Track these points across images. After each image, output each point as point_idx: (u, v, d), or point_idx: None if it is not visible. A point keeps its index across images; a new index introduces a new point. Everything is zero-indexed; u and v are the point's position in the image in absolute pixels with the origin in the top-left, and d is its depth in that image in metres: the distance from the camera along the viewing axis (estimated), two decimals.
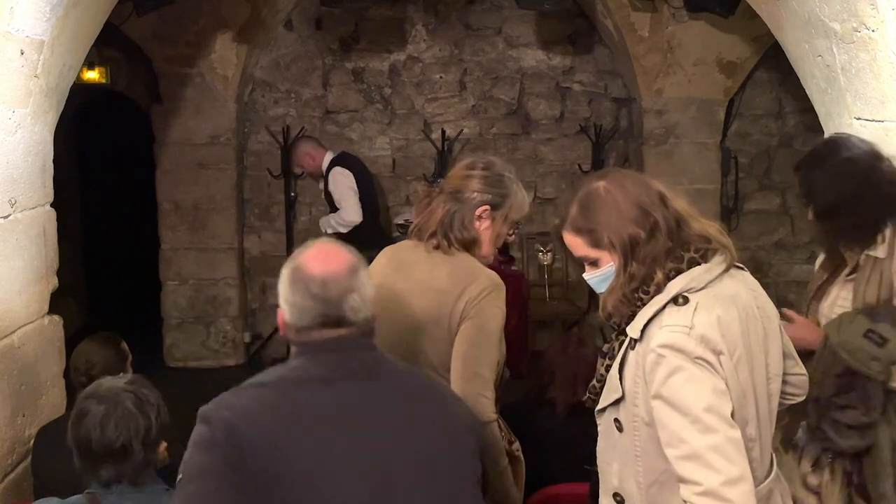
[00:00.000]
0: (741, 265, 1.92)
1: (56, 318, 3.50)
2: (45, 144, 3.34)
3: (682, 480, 1.68)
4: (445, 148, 6.85)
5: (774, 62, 6.35)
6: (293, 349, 1.76)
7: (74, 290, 6.63)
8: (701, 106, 6.49)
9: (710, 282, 1.79)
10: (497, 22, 6.94)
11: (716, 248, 1.83)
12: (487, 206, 2.44)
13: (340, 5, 6.07)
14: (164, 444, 2.28)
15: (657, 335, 1.75)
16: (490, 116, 7.02)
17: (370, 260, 6.74)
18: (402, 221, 6.79)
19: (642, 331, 1.79)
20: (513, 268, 6.77)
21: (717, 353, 1.71)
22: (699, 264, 1.81)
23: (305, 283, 1.71)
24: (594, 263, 1.88)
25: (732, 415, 1.69)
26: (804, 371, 2.05)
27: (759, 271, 6.54)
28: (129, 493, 2.12)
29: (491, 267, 2.49)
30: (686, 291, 1.77)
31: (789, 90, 6.63)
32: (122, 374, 2.73)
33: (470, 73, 7.00)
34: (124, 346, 3.13)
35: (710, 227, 1.87)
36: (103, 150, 8.29)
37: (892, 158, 2.58)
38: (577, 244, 1.89)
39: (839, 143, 2.63)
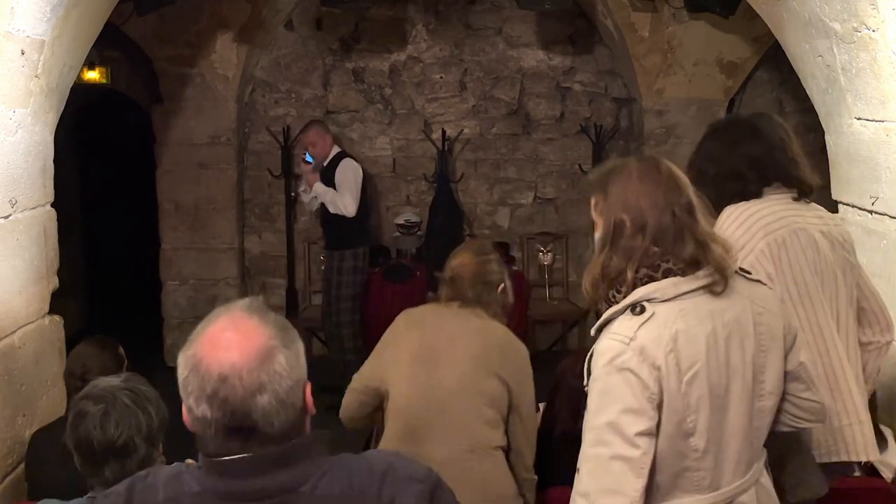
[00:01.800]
0: (757, 278, 1.91)
1: (56, 318, 3.50)
2: (46, 144, 3.34)
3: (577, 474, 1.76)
4: (446, 148, 6.86)
5: (774, 62, 6.35)
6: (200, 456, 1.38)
7: (74, 290, 6.62)
8: (701, 106, 6.50)
9: (681, 295, 1.77)
10: (497, 22, 6.94)
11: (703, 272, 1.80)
12: (503, 284, 2.97)
13: (341, 5, 6.07)
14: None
15: (601, 339, 1.78)
16: (490, 116, 7.03)
17: (363, 256, 6.68)
18: (402, 221, 6.80)
19: (600, 330, 1.82)
20: (513, 268, 6.78)
21: (656, 368, 1.71)
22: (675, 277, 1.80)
23: (200, 379, 1.31)
24: (596, 225, 1.94)
25: (649, 431, 1.71)
26: (817, 399, 1.99)
27: None
28: None
29: None
30: (647, 300, 1.76)
31: (789, 90, 6.63)
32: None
33: (470, 74, 7.00)
34: (121, 350, 3.11)
35: (717, 250, 1.80)
36: (103, 150, 8.29)
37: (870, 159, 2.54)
38: (592, 203, 1.94)
39: (736, 122, 2.57)
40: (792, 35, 3.37)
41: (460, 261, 2.95)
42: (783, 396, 1.94)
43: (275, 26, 6.71)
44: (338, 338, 5.87)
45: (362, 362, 2.81)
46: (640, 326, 1.73)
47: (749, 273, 1.91)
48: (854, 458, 2.34)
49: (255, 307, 1.38)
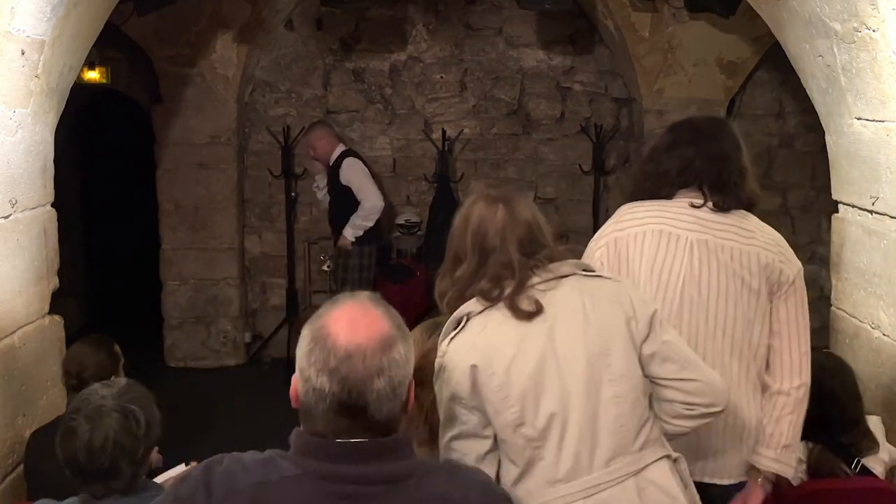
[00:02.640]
0: (598, 274, 2.01)
1: (56, 318, 3.50)
2: (46, 144, 3.34)
3: None
4: (446, 148, 6.85)
5: (775, 62, 6.34)
6: (296, 439, 1.43)
7: (74, 290, 6.63)
8: (701, 106, 6.48)
9: (491, 306, 1.91)
10: (497, 22, 6.94)
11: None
12: None
13: (341, 5, 6.08)
14: (156, 450, 2.29)
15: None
16: (490, 116, 7.03)
17: (370, 254, 6.61)
18: (402, 221, 6.80)
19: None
20: None
21: (467, 372, 1.86)
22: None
23: (326, 353, 1.37)
24: None
25: (462, 434, 1.89)
26: (700, 377, 1.96)
27: None
28: (123, 499, 2.13)
29: None
30: (465, 314, 1.92)
31: (790, 90, 6.62)
32: (113, 377, 2.70)
33: (470, 73, 7.00)
34: (117, 349, 3.11)
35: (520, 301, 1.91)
36: (103, 150, 8.29)
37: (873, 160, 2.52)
38: None
39: (684, 124, 2.57)
40: (792, 35, 3.36)
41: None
42: (660, 384, 1.95)
43: (275, 26, 6.71)
44: None
45: None
46: (451, 339, 1.90)
47: (591, 271, 2.01)
48: (700, 480, 2.27)
49: (378, 300, 1.48)
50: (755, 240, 2.35)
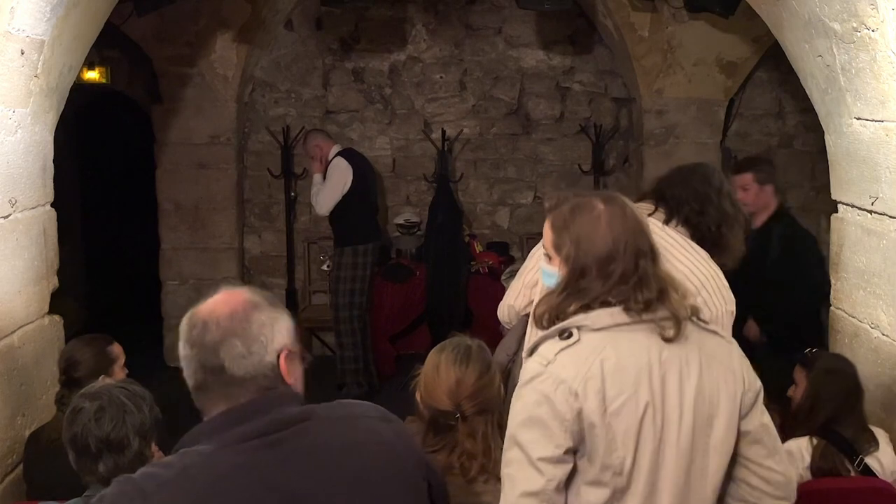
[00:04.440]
0: (713, 329, 1.85)
1: (56, 318, 3.50)
2: (46, 144, 3.34)
3: None
4: (445, 148, 6.86)
5: (774, 62, 6.35)
6: (198, 429, 1.53)
7: (74, 290, 6.62)
8: (701, 106, 6.49)
9: (618, 325, 1.74)
10: (497, 22, 6.94)
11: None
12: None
13: (341, 5, 6.07)
14: (159, 452, 2.31)
15: (528, 361, 1.79)
16: (490, 116, 7.03)
17: (365, 253, 6.55)
18: (402, 221, 6.80)
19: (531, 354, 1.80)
20: (512, 268, 6.78)
21: (572, 393, 1.68)
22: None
23: (189, 327, 1.56)
24: (550, 259, 1.90)
25: (555, 458, 1.68)
26: (783, 471, 1.85)
27: None
28: None
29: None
30: (577, 326, 1.74)
31: (789, 90, 6.63)
32: (110, 376, 2.79)
33: (470, 73, 7.00)
34: (113, 348, 3.08)
35: (675, 297, 1.78)
36: (103, 150, 8.29)
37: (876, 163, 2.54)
38: (546, 236, 1.91)
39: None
40: (791, 35, 3.36)
41: (456, 382, 2.22)
42: (741, 463, 1.83)
43: (275, 26, 6.71)
44: (336, 333, 5.89)
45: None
46: (560, 350, 1.72)
47: (706, 322, 1.86)
48: None
49: (255, 289, 1.65)
50: (681, 263, 2.36)
